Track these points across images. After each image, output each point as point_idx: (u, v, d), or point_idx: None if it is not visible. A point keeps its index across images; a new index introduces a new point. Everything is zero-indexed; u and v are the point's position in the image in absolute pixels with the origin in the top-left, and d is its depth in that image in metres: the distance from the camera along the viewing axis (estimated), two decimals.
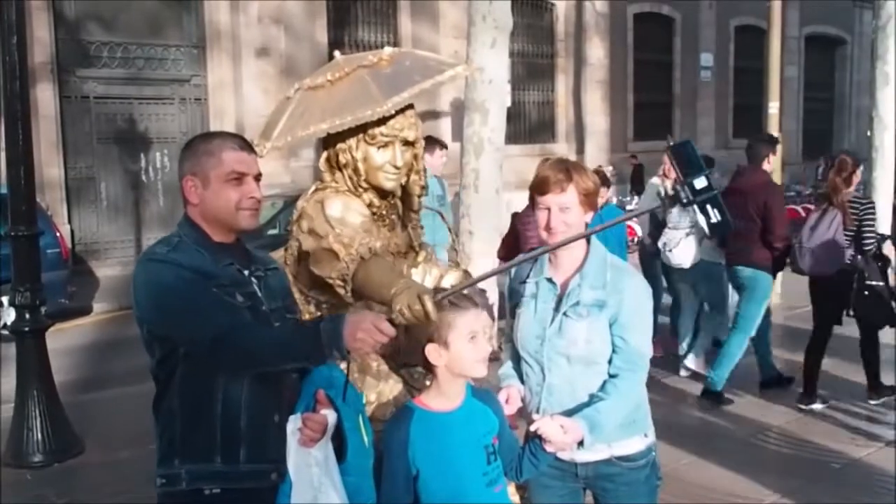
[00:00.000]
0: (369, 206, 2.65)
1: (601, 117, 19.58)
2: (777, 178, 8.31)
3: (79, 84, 12.91)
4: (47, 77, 12.25)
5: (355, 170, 2.63)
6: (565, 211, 2.51)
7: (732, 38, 23.16)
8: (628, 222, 6.72)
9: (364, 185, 2.64)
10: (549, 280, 2.61)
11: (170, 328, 2.17)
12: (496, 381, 2.66)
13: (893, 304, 5.76)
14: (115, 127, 13.27)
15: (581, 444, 2.39)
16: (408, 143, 2.67)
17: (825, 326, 6.00)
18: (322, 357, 2.12)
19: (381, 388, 2.65)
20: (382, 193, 2.69)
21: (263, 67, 14.15)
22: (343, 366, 2.22)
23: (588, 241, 2.61)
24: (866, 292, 5.70)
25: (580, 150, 19.07)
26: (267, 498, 2.23)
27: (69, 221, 12.70)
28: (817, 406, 5.91)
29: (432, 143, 7.09)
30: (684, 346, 6.94)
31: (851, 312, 5.83)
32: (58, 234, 9.63)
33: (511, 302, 2.75)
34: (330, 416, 2.19)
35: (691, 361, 6.83)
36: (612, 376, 2.52)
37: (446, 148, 7.47)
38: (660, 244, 6.76)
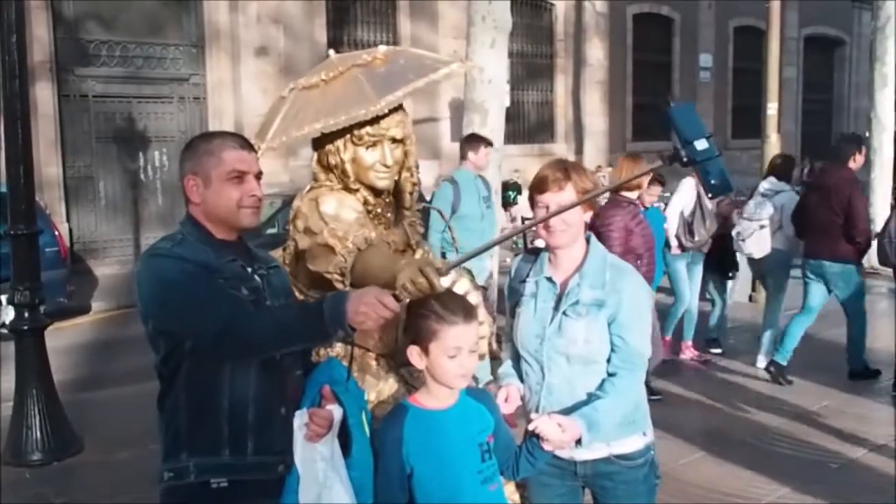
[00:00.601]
0: (364, 203, 2.65)
1: (600, 118, 19.57)
2: None
3: (78, 83, 12.88)
4: (46, 76, 12.23)
5: (343, 171, 2.62)
6: None
7: (731, 39, 23.13)
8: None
9: (355, 185, 2.63)
10: (549, 279, 2.62)
11: (175, 322, 2.18)
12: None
13: None
14: (113, 126, 13.24)
15: (579, 442, 2.40)
16: (396, 141, 2.65)
17: None
18: (326, 335, 2.10)
19: (381, 388, 2.64)
20: (376, 192, 2.68)
21: (262, 67, 14.14)
22: (345, 354, 2.20)
23: (588, 241, 2.63)
24: None
25: (579, 150, 19.06)
26: (272, 490, 2.23)
27: (68, 220, 12.67)
28: None
29: (476, 140, 6.66)
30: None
31: None
32: (56, 233, 9.60)
33: (511, 301, 2.76)
34: (335, 411, 2.20)
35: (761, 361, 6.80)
36: (610, 375, 2.53)
37: (492, 145, 6.80)
38: (733, 233, 6.93)
